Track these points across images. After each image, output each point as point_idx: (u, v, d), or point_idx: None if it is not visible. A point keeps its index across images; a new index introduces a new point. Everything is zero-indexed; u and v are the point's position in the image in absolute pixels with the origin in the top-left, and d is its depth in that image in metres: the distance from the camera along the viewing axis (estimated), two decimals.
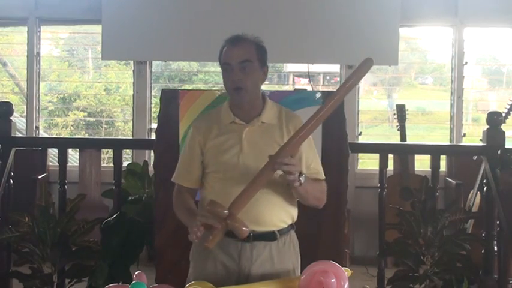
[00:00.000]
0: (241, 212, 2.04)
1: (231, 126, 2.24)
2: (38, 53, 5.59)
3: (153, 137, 3.75)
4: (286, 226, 2.25)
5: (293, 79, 6.54)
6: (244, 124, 2.23)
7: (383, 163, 3.57)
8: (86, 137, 6.01)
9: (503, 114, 4.57)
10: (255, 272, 2.18)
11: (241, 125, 2.23)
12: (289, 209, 2.25)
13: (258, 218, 2.14)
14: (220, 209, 1.99)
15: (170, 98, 3.19)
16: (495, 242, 3.39)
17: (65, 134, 6.07)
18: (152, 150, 3.73)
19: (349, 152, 3.18)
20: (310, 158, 2.25)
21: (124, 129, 6.24)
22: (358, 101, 5.58)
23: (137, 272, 2.00)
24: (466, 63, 5.51)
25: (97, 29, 5.47)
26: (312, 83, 5.09)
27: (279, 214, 2.22)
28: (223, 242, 2.15)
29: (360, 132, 5.57)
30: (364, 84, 6.10)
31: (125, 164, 3.84)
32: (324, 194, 2.29)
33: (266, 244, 2.20)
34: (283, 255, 2.24)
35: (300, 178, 2.06)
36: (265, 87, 5.99)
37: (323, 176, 2.31)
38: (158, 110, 3.27)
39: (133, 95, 5.59)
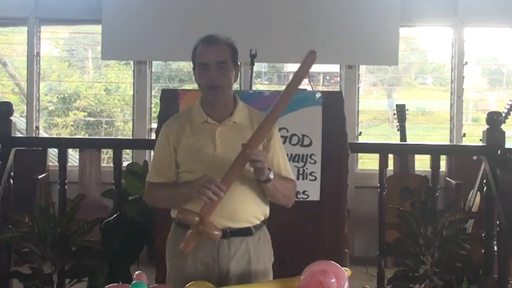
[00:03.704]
0: (216, 208, 2.12)
1: (204, 126, 2.28)
2: (38, 53, 5.59)
3: (153, 137, 3.74)
4: (259, 222, 2.32)
5: None
6: (216, 124, 2.27)
7: (383, 163, 3.57)
8: (86, 137, 6.01)
9: (503, 114, 4.57)
10: (233, 268, 2.25)
11: (214, 125, 2.27)
12: (262, 205, 2.31)
13: (233, 214, 2.22)
14: (190, 216, 2.07)
15: (170, 98, 3.18)
16: (495, 242, 3.39)
17: (65, 134, 6.07)
18: (152, 151, 3.72)
19: (349, 152, 3.18)
20: (281, 158, 2.32)
21: (124, 129, 6.25)
22: (358, 101, 5.58)
23: (137, 272, 2.01)
24: (466, 63, 5.51)
25: (97, 29, 5.47)
26: (311, 83, 5.06)
27: (253, 210, 2.28)
28: (204, 241, 2.22)
29: (360, 132, 5.57)
30: (364, 84, 6.10)
31: (125, 164, 3.84)
32: (293, 193, 2.36)
33: (243, 239, 2.27)
34: (259, 250, 2.31)
35: (270, 174, 2.15)
36: (265, 87, 6.03)
37: (292, 177, 2.38)
38: (158, 110, 3.26)
39: (133, 95, 5.59)
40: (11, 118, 3.51)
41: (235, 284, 2.18)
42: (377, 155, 3.65)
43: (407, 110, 5.16)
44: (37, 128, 5.59)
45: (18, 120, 5.41)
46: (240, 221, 2.25)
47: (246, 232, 2.27)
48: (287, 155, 3.05)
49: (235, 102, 2.31)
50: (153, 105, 5.61)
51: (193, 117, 2.31)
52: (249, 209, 2.26)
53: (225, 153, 2.22)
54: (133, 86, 5.58)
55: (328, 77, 6.35)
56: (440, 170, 3.69)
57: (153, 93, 5.62)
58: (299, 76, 2.21)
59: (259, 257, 2.31)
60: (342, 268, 2.04)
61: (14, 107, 3.56)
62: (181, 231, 2.28)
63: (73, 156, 5.78)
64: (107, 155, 5.94)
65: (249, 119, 2.31)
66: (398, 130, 5.14)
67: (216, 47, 2.23)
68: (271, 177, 2.17)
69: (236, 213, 2.23)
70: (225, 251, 2.25)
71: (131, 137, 5.64)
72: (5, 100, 4.19)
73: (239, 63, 2.35)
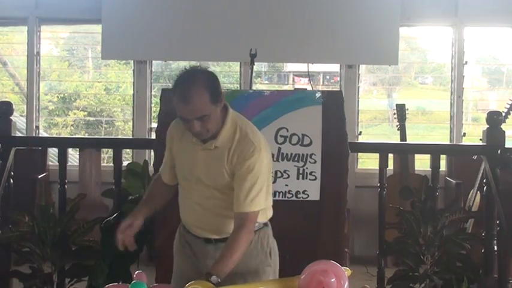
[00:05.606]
0: (200, 222, 2.29)
1: (191, 143, 2.28)
2: (38, 53, 5.59)
3: (153, 136, 3.74)
4: None
5: (293, 79, 6.54)
6: (200, 145, 2.26)
7: (383, 163, 3.57)
8: (86, 136, 6.01)
9: (503, 114, 4.57)
10: None
11: (198, 146, 2.27)
12: None
13: (217, 229, 2.28)
14: None
15: (170, 98, 3.13)
16: (495, 242, 3.39)
17: (65, 133, 6.07)
18: (152, 150, 3.72)
19: (349, 151, 3.18)
20: (243, 190, 2.19)
21: (124, 129, 6.24)
22: (358, 101, 5.57)
23: (137, 272, 2.01)
24: (466, 62, 5.51)
25: (97, 28, 5.47)
26: (312, 82, 5.07)
27: None
28: (192, 241, 2.33)
29: (360, 132, 5.57)
30: (364, 83, 6.10)
31: (124, 163, 3.84)
32: (246, 240, 2.18)
33: None
34: (248, 253, 2.27)
35: (216, 281, 2.00)
36: (265, 86, 6.03)
37: (246, 210, 2.19)
38: (158, 109, 3.27)
39: (133, 95, 5.59)
40: (11, 118, 3.52)
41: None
42: (377, 155, 3.66)
43: (407, 109, 5.16)
44: (37, 127, 5.59)
45: (18, 120, 5.40)
46: (226, 233, 2.26)
47: None
48: (287, 154, 3.09)
49: (223, 123, 2.23)
50: (153, 105, 5.60)
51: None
52: (232, 223, 2.23)
53: (203, 176, 2.26)
54: (134, 85, 5.58)
55: (328, 77, 6.34)
56: (440, 169, 3.69)
57: (153, 93, 5.61)
58: None
59: (248, 260, 2.27)
60: (342, 268, 2.04)
61: (14, 107, 3.57)
62: (183, 230, 2.40)
63: (73, 155, 5.78)
64: (107, 154, 5.94)
65: (232, 139, 2.23)
66: (398, 130, 5.14)
67: (192, 105, 2.09)
68: (219, 280, 2.01)
69: (219, 228, 2.27)
70: (211, 254, 2.29)
71: (131, 137, 5.64)
72: (5, 100, 4.20)
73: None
